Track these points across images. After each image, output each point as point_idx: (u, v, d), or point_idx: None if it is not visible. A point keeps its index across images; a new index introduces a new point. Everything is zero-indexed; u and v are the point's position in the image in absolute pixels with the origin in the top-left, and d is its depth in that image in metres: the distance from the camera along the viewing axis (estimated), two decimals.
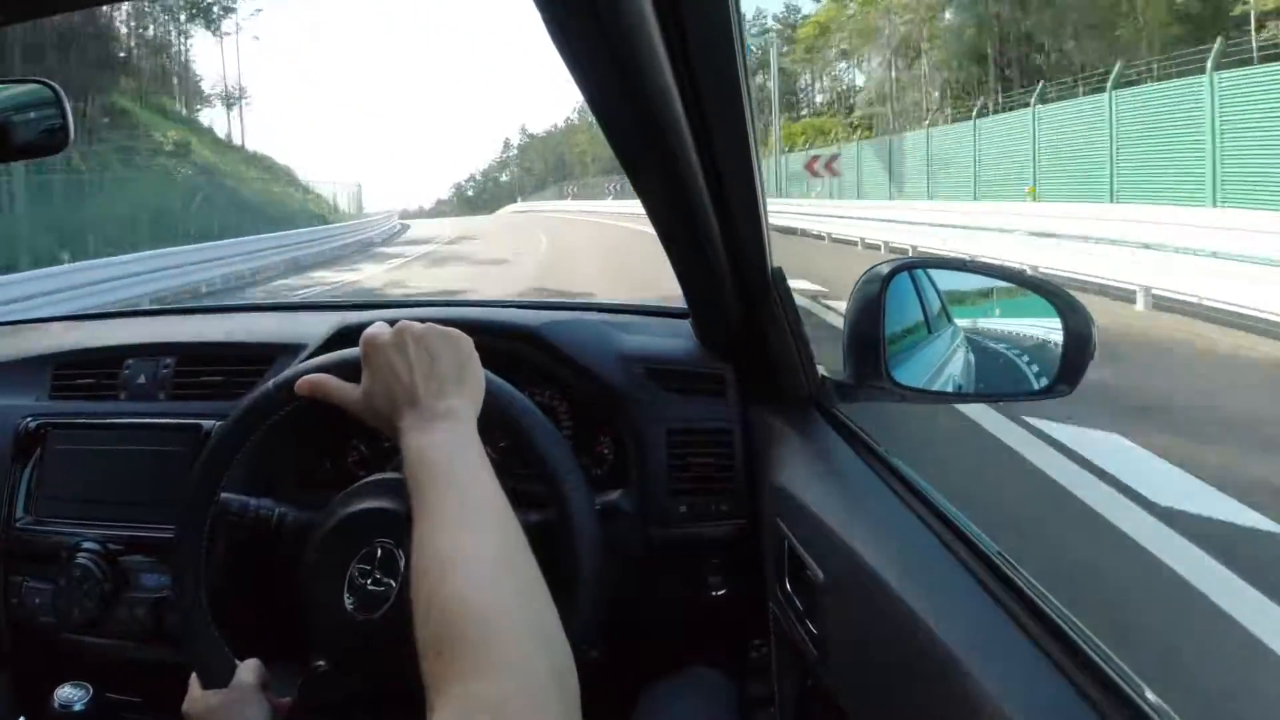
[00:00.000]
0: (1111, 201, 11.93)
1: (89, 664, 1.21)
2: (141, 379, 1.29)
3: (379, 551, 0.80)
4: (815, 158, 24.73)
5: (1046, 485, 3.38)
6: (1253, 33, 17.21)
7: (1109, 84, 12.81)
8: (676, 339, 1.25)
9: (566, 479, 0.88)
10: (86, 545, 1.17)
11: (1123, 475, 3.39)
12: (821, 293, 8.53)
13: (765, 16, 49.08)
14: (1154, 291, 7.53)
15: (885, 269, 0.99)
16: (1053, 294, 0.96)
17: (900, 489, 0.86)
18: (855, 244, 14.96)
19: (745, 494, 1.13)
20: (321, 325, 1.22)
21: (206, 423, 1.18)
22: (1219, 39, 11.04)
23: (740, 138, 0.76)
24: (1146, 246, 8.05)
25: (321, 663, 0.84)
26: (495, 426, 0.84)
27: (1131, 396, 4.57)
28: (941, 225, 12.61)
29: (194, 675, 0.86)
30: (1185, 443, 3.86)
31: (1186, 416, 4.38)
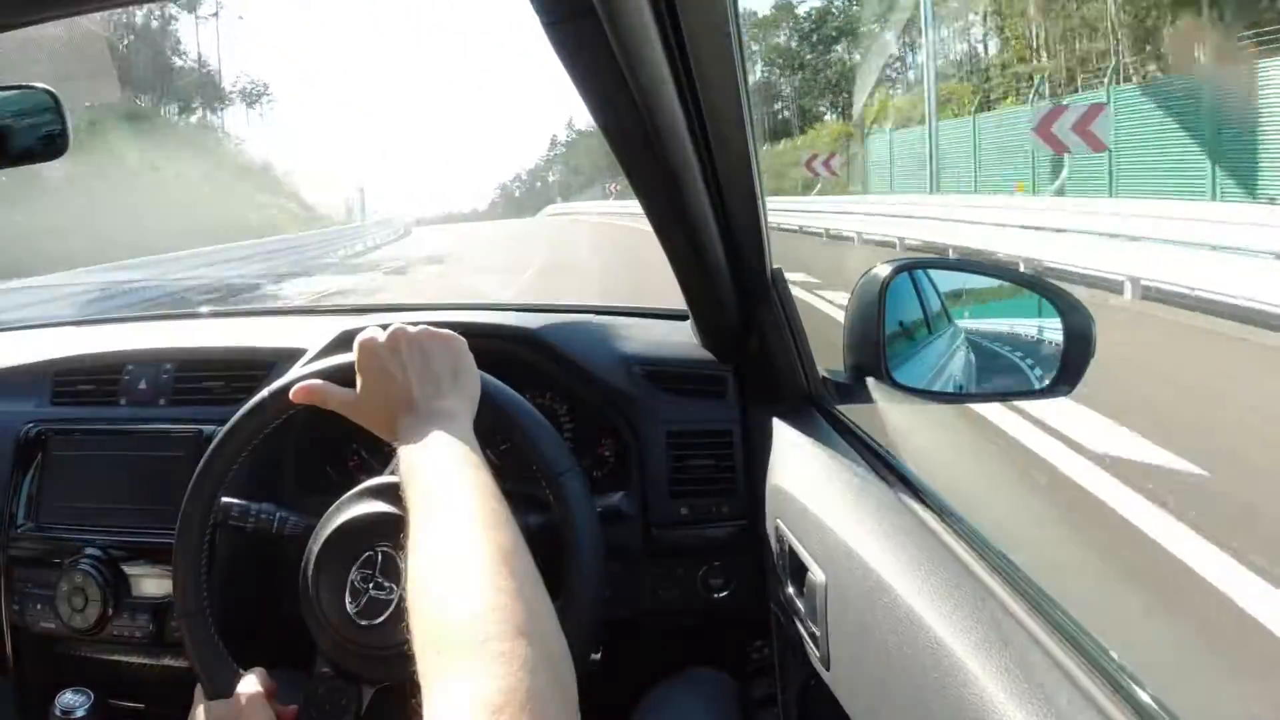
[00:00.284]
0: None
1: (91, 670, 1.21)
2: (142, 385, 1.29)
3: (380, 556, 0.80)
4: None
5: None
6: None
7: None
8: (676, 340, 1.25)
9: (567, 482, 0.88)
10: (88, 552, 1.17)
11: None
12: None
13: None
14: None
15: (885, 269, 0.99)
16: (1053, 294, 0.96)
17: (901, 489, 0.86)
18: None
19: (746, 495, 1.13)
20: (322, 331, 1.22)
21: (207, 428, 1.18)
22: None
23: (739, 139, 0.77)
24: None
25: (326, 669, 0.84)
26: (495, 429, 0.84)
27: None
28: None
29: (198, 686, 0.86)
30: None
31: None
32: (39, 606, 1.19)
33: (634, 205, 0.96)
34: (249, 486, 1.01)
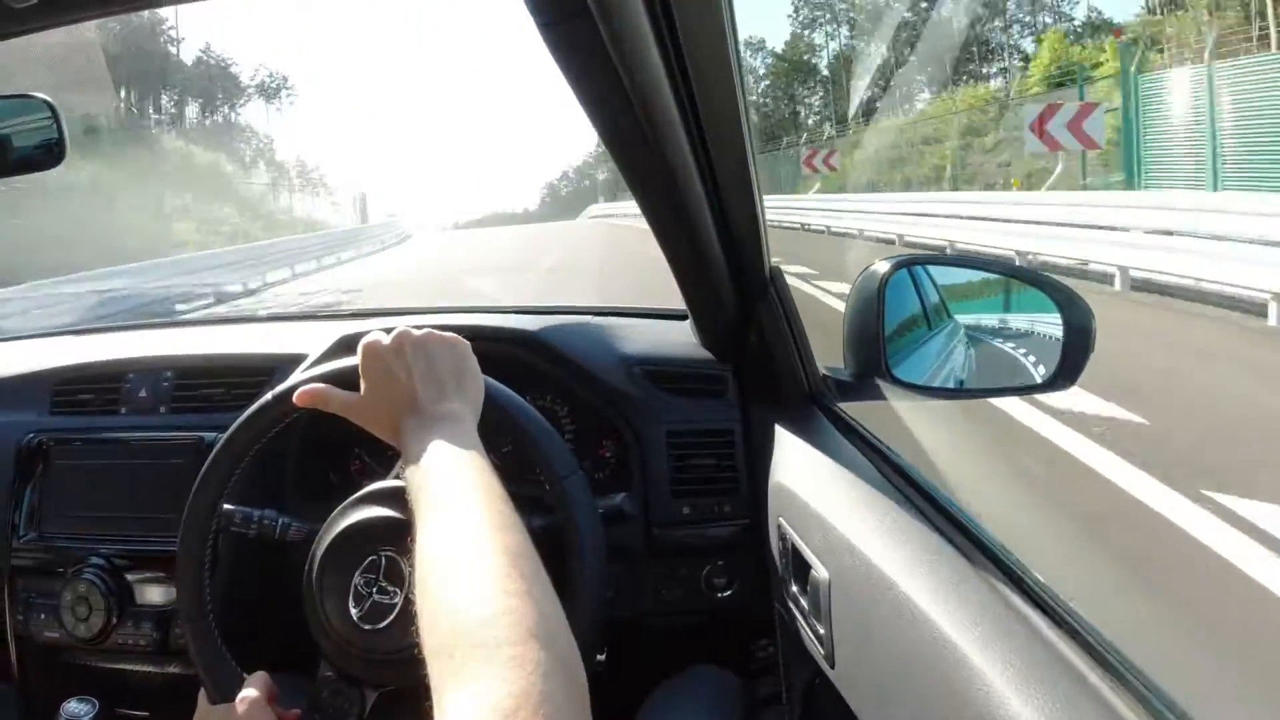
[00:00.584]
0: None
1: (95, 679, 1.21)
2: (142, 393, 1.29)
3: (383, 561, 0.80)
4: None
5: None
6: None
7: None
8: (675, 340, 1.25)
9: (569, 485, 0.88)
10: (91, 561, 1.17)
11: None
12: None
13: None
14: None
15: (884, 266, 0.99)
16: (1052, 288, 0.96)
17: (903, 485, 0.86)
18: None
19: (748, 494, 1.13)
20: (322, 336, 1.22)
21: (208, 436, 1.18)
22: None
23: (736, 137, 0.77)
24: None
25: (329, 673, 0.84)
26: (498, 432, 0.84)
27: None
28: None
29: (201, 690, 0.86)
30: None
31: None
32: (43, 616, 1.19)
33: None
34: (251, 493, 1.01)
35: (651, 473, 1.15)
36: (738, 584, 1.15)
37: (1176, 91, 11.73)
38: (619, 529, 1.07)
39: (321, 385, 0.79)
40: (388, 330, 0.78)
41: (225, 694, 0.83)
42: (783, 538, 0.96)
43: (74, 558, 1.18)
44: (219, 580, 0.91)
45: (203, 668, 0.85)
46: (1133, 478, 3.29)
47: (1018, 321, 1.07)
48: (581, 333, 1.24)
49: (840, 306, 1.03)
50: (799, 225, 17.68)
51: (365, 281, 14.61)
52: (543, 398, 1.21)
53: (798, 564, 0.91)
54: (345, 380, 0.79)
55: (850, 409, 1.08)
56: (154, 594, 1.18)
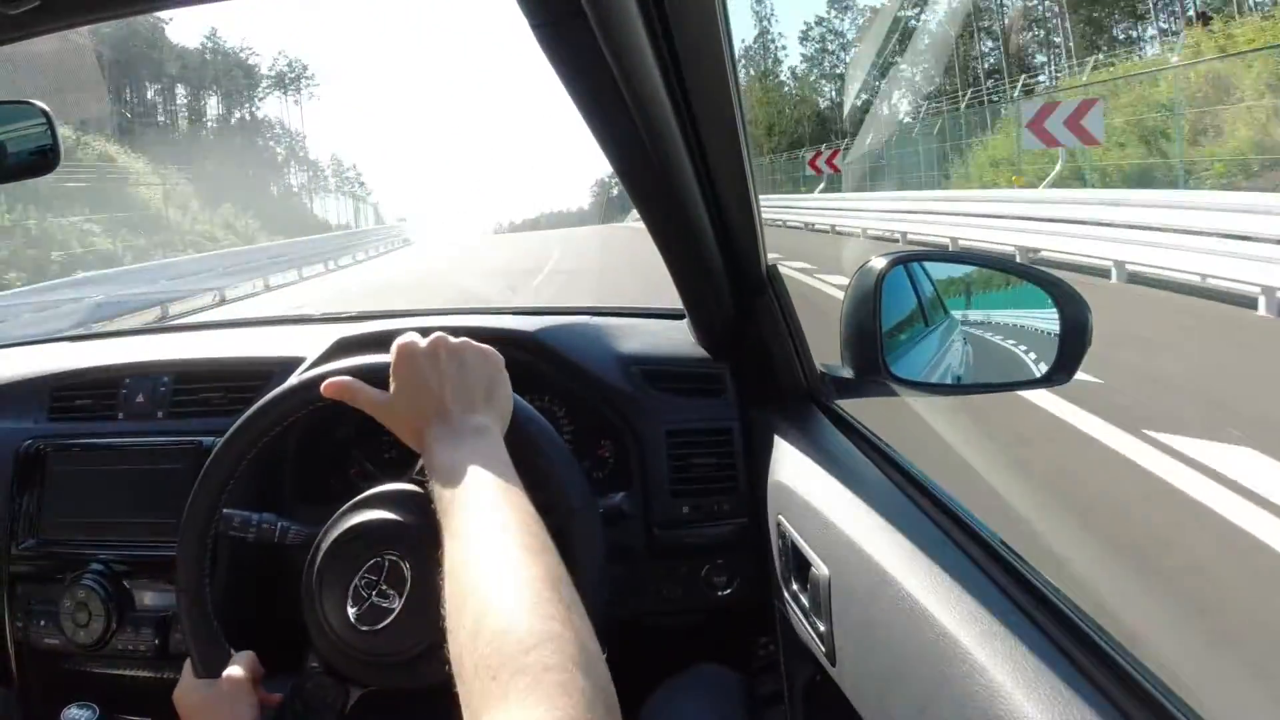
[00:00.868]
0: None
1: (95, 684, 1.21)
2: (140, 398, 1.28)
3: (387, 564, 0.79)
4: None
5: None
6: None
7: None
8: (673, 340, 1.25)
9: (580, 520, 0.87)
10: (91, 567, 1.17)
11: None
12: None
13: None
14: None
15: (880, 262, 0.99)
16: (1049, 283, 0.96)
17: (901, 481, 0.86)
18: None
19: (747, 492, 1.13)
20: (319, 339, 1.22)
21: (206, 440, 1.18)
22: None
23: (731, 136, 0.77)
24: None
25: (315, 665, 0.84)
26: (517, 451, 0.83)
27: None
28: None
29: (187, 662, 0.86)
30: None
31: None
32: (43, 623, 1.19)
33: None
34: (250, 497, 1.01)
35: (651, 472, 1.15)
36: (738, 582, 1.15)
37: None
38: (619, 528, 1.06)
39: (351, 379, 0.78)
40: (424, 333, 0.77)
41: (211, 669, 0.83)
42: (782, 536, 0.96)
43: (74, 564, 1.18)
44: (216, 584, 0.91)
45: (191, 639, 0.85)
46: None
47: (1014, 316, 1.07)
48: (579, 333, 1.24)
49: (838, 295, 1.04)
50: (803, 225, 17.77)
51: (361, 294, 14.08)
52: (541, 398, 1.21)
53: (798, 562, 0.91)
54: (375, 377, 0.78)
55: (848, 406, 1.08)
56: (153, 599, 1.18)
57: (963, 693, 0.56)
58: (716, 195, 0.86)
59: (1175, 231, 7.68)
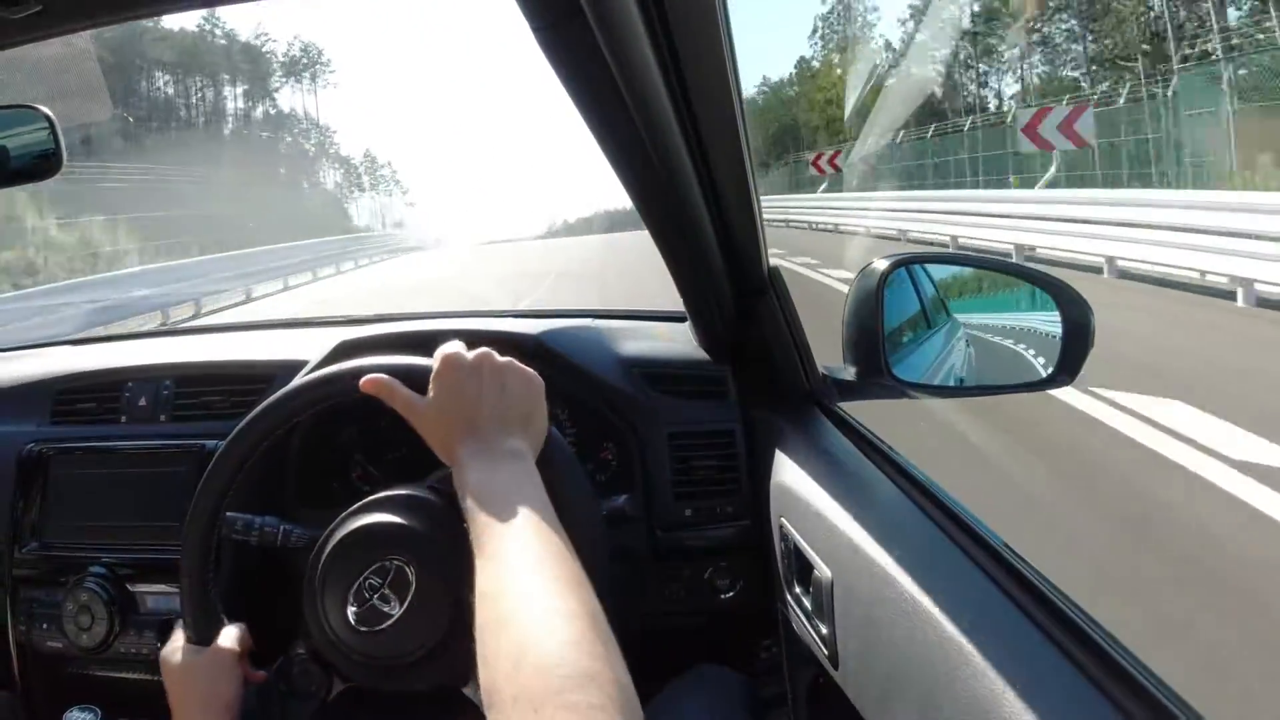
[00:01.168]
0: None
1: (98, 688, 1.21)
2: (142, 401, 1.29)
3: (393, 569, 0.79)
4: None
5: None
6: None
7: None
8: (675, 343, 1.25)
9: (574, 487, 0.87)
10: (93, 570, 1.17)
11: None
12: None
13: None
14: None
15: (883, 264, 0.99)
16: (1050, 285, 0.96)
17: (903, 484, 0.86)
18: None
19: (749, 495, 1.13)
20: (321, 342, 1.22)
21: (208, 443, 1.18)
22: None
23: (733, 138, 0.77)
24: None
25: (302, 651, 0.83)
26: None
27: None
28: None
29: (179, 623, 0.85)
30: None
31: None
32: (45, 626, 1.19)
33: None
34: (252, 500, 1.01)
35: (653, 475, 1.15)
36: (740, 585, 1.15)
37: None
38: (621, 531, 1.06)
39: (391, 378, 0.77)
40: (470, 345, 0.77)
41: (201, 637, 0.83)
42: (784, 538, 0.96)
43: (76, 567, 1.18)
44: (219, 582, 0.90)
45: (188, 603, 0.84)
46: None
47: (1016, 318, 1.07)
48: (582, 336, 1.24)
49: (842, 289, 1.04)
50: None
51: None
52: None
53: (800, 564, 0.91)
54: (413, 380, 0.76)
55: (850, 408, 1.08)
56: (156, 603, 1.18)
57: (965, 695, 0.56)
58: (717, 197, 0.86)
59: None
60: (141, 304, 11.26)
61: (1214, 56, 18.11)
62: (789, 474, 0.99)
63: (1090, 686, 0.53)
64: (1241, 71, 15.37)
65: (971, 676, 0.57)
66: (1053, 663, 0.55)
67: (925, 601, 0.65)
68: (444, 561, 0.76)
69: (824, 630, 0.83)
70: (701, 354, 1.22)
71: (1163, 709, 0.51)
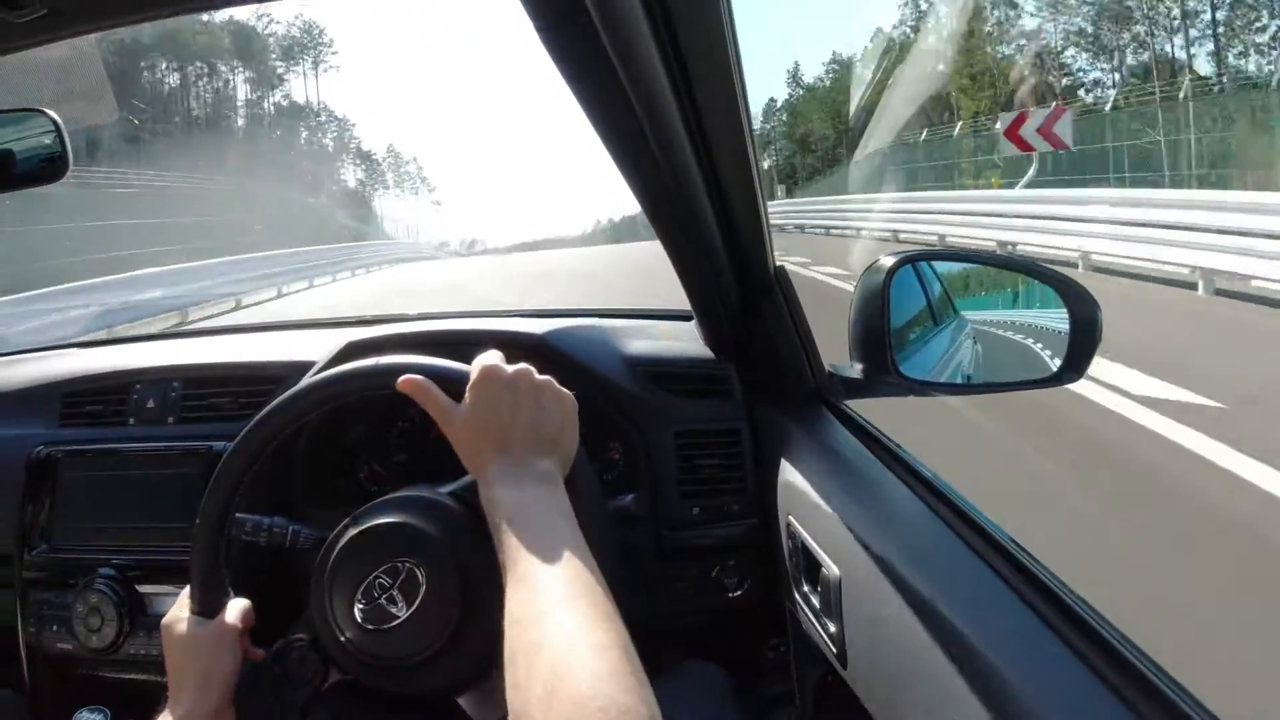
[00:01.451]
0: None
1: (107, 689, 1.21)
2: (150, 403, 1.29)
3: (404, 571, 0.79)
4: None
5: None
6: None
7: None
8: (680, 341, 1.25)
9: (592, 516, 0.87)
10: (103, 572, 1.17)
11: None
12: None
13: None
14: None
15: (889, 262, 0.99)
16: (1057, 281, 0.96)
17: (912, 481, 0.86)
18: None
19: (756, 493, 1.13)
20: (328, 343, 1.22)
21: (217, 444, 1.18)
22: None
23: (738, 138, 0.76)
24: None
25: (302, 637, 0.83)
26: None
27: None
28: None
29: (184, 592, 0.85)
30: None
31: None
32: (55, 628, 1.20)
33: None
34: (260, 501, 1.01)
35: (660, 474, 1.15)
36: (748, 583, 1.14)
37: None
38: (628, 530, 1.06)
39: (429, 381, 0.77)
40: (436, 339, 0.76)
41: (207, 608, 0.83)
42: (792, 536, 0.96)
43: (85, 569, 1.18)
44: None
45: (197, 571, 0.84)
46: None
47: (1023, 315, 1.07)
48: (587, 336, 1.24)
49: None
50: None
51: None
52: None
53: (808, 562, 0.91)
54: (449, 385, 0.76)
55: (857, 406, 1.08)
56: (165, 604, 1.18)
57: (975, 694, 0.56)
58: (723, 196, 0.86)
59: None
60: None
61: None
62: (796, 472, 0.99)
63: (1100, 684, 0.52)
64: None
65: (981, 675, 0.56)
66: (1063, 661, 0.55)
67: (934, 599, 0.65)
68: (456, 570, 0.76)
69: (832, 628, 0.83)
70: (707, 353, 1.22)
71: (1175, 708, 0.50)
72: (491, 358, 0.76)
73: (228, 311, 13.36)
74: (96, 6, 0.67)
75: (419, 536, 0.79)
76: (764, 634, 1.17)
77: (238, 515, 0.90)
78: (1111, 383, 4.56)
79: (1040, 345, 1.03)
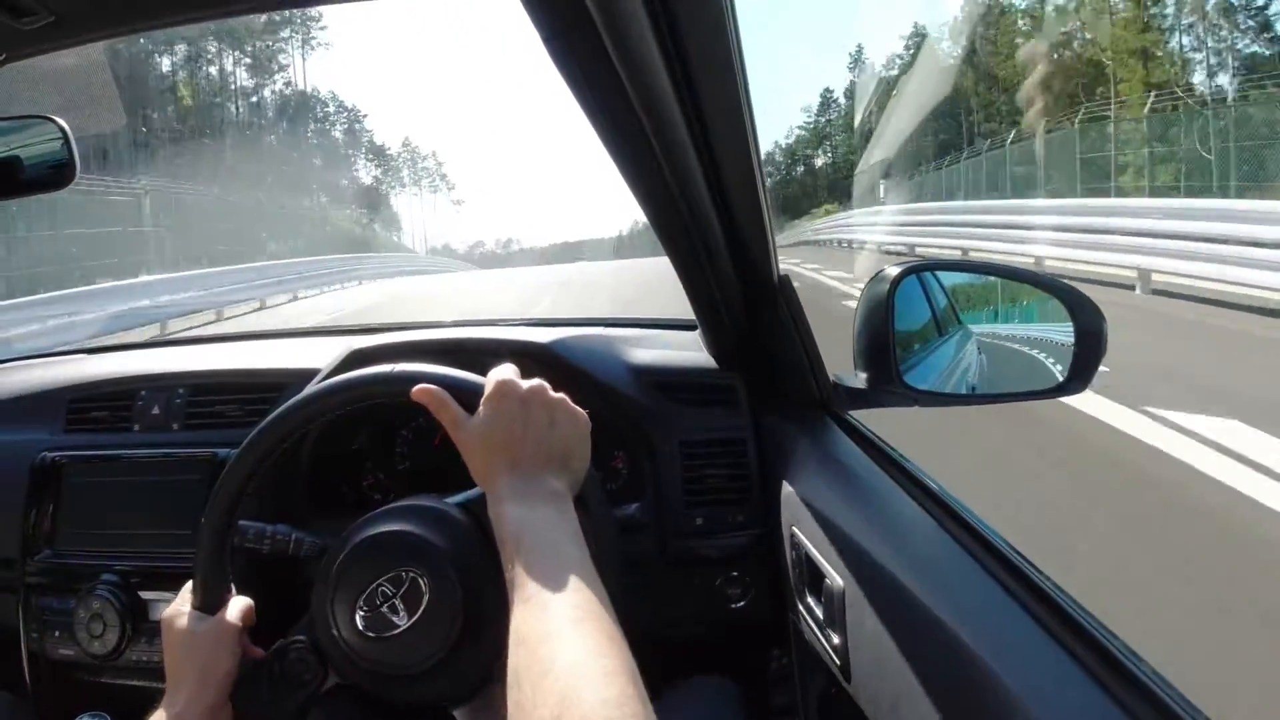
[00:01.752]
0: None
1: (109, 695, 1.21)
2: (155, 410, 1.29)
3: (408, 580, 0.79)
4: None
5: None
6: None
7: None
8: (685, 351, 1.25)
9: (593, 508, 0.87)
10: (105, 578, 1.17)
11: None
12: None
13: None
14: None
15: (893, 272, 0.99)
16: (1062, 291, 0.95)
17: (916, 492, 0.86)
18: None
19: (761, 503, 1.13)
20: (332, 351, 1.23)
21: (221, 451, 1.18)
22: None
23: (742, 147, 0.77)
24: None
25: (301, 638, 0.83)
26: None
27: None
28: None
29: (186, 586, 0.85)
30: None
31: None
32: (57, 634, 1.20)
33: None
34: (263, 508, 1.01)
35: (664, 483, 1.14)
36: (751, 594, 1.14)
37: None
38: (632, 539, 1.06)
39: (444, 392, 0.76)
40: (444, 347, 0.76)
41: (208, 603, 0.83)
42: (796, 547, 0.95)
43: (88, 575, 1.18)
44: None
45: (201, 567, 0.84)
46: None
47: (1027, 325, 1.06)
48: (592, 345, 1.24)
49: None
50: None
51: None
52: None
53: (812, 573, 0.90)
54: (463, 396, 0.76)
55: (862, 416, 1.08)
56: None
57: (979, 706, 0.56)
58: (727, 205, 0.86)
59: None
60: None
61: None
62: (800, 482, 0.99)
63: (1105, 696, 0.52)
64: None
65: (986, 687, 0.56)
66: (1068, 673, 0.55)
67: (938, 611, 0.65)
68: (461, 582, 0.76)
69: (836, 640, 0.82)
70: (712, 362, 1.22)
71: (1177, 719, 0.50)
72: (506, 371, 0.75)
73: (251, 312, 13.50)
74: (104, 14, 0.68)
75: (425, 546, 0.79)
76: (767, 645, 1.16)
77: (241, 522, 0.90)
78: None
79: (1047, 356, 1.02)
